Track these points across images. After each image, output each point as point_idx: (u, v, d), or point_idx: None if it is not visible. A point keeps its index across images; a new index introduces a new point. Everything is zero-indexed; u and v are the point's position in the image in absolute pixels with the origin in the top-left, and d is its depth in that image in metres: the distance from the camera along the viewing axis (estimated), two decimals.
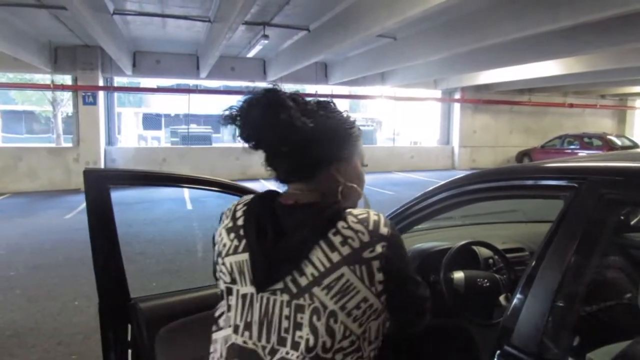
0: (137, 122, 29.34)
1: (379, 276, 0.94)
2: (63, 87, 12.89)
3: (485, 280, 1.74)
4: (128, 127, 26.53)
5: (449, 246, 2.01)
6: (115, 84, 14.01)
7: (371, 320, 0.97)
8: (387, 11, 6.80)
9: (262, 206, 1.04)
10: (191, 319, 1.80)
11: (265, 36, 9.23)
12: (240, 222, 1.03)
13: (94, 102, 12.21)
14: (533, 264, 1.17)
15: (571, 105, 18.58)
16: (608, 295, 1.46)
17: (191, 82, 15.23)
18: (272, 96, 1.00)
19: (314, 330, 0.92)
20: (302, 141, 0.98)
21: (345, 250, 0.92)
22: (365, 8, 7.40)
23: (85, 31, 8.39)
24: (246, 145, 1.07)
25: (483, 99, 16.97)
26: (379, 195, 10.52)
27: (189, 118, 17.19)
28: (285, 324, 0.94)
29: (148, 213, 8.88)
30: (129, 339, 1.70)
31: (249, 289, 0.99)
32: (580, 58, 10.96)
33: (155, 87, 19.35)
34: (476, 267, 1.96)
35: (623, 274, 1.79)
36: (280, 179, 1.09)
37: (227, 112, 1.05)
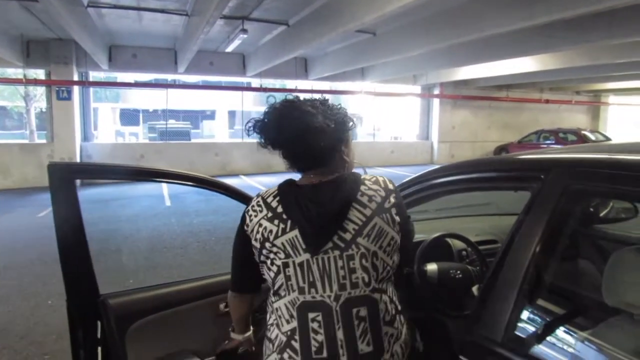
0: (114, 117, 28.82)
1: (396, 218, 1.26)
2: (36, 82, 12.58)
3: (459, 272, 1.76)
4: (105, 123, 26.02)
5: (423, 238, 2.02)
6: (91, 79, 13.74)
7: (395, 253, 1.27)
8: (366, 6, 6.80)
9: (293, 191, 1.27)
10: (163, 314, 1.77)
11: (244, 30, 9.14)
12: (279, 209, 1.25)
13: (69, 97, 11.93)
14: (500, 255, 1.19)
15: (547, 101, 18.90)
16: (575, 284, 1.48)
17: (169, 76, 15.02)
18: (299, 106, 1.26)
19: (365, 269, 1.21)
20: (329, 140, 1.25)
21: (373, 205, 1.24)
22: (345, 3, 7.38)
23: (59, 24, 8.20)
24: (268, 147, 1.33)
25: (462, 94, 17.14)
26: None
27: (167, 113, 16.96)
28: (341, 272, 1.20)
29: (125, 210, 8.75)
30: (99, 336, 1.67)
31: (304, 257, 1.21)
32: (555, 55, 11.14)
33: (133, 82, 19.04)
34: (450, 259, 1.98)
35: (591, 264, 1.83)
36: (302, 169, 1.31)
37: (254, 124, 1.32)
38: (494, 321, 1.15)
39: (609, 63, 11.00)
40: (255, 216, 1.27)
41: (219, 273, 2.01)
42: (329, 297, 1.20)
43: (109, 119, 27.83)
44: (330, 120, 1.25)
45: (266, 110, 1.29)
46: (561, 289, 1.39)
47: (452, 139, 17.51)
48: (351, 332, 1.18)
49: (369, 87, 16.16)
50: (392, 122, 22.83)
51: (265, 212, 1.26)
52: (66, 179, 1.61)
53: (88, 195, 10.39)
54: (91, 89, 14.30)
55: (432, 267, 1.81)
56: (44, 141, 12.83)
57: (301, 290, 1.21)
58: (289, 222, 1.22)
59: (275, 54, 10.92)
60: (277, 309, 1.26)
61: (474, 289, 1.64)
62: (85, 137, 13.33)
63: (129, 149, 14.14)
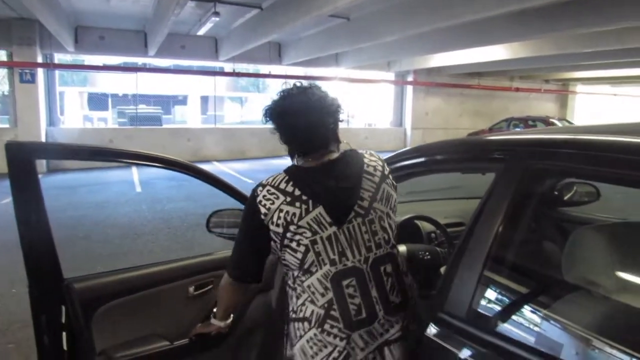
0: (82, 102, 27.99)
1: (392, 182, 1.44)
2: None
3: (427, 253, 1.79)
4: (72, 108, 25.25)
5: None
6: (56, 61, 13.27)
7: (396, 212, 1.45)
8: None
9: (304, 173, 1.36)
10: (130, 298, 1.73)
11: (216, 13, 8.96)
12: (297, 192, 1.32)
13: (33, 80, 11.50)
14: (464, 235, 1.21)
15: (517, 89, 19.26)
16: (537, 264, 1.53)
17: (139, 60, 14.66)
18: (316, 91, 1.38)
19: (384, 230, 1.36)
20: (335, 122, 1.40)
21: (378, 174, 1.40)
22: None
23: (20, 2, 7.85)
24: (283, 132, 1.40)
25: (435, 82, 17.31)
26: None
27: (138, 98, 16.57)
28: (366, 237, 1.32)
29: (95, 196, 8.55)
30: (63, 321, 1.61)
31: (330, 230, 1.30)
32: (526, 43, 11.33)
33: (101, 65, 18.49)
34: (419, 241, 2.01)
35: (555, 245, 1.89)
36: (310, 151, 1.38)
37: (273, 110, 1.39)
38: (458, 299, 1.17)
39: (577, 52, 11.25)
40: (272, 204, 1.32)
41: (187, 257, 1.98)
42: (359, 261, 1.30)
43: (77, 104, 27.01)
44: (335, 103, 1.40)
45: (283, 95, 1.37)
46: (524, 268, 1.43)
47: (425, 126, 17.70)
48: (382, 288, 1.31)
49: (343, 74, 16.14)
50: (366, 108, 22.89)
51: (282, 197, 1.32)
52: (26, 158, 1.54)
53: (55, 181, 10.10)
54: (57, 72, 13.83)
55: (401, 248, 1.83)
56: (6, 126, 12.38)
57: (332, 262, 1.30)
58: (310, 202, 1.31)
59: (248, 38, 10.76)
60: (308, 286, 1.32)
61: (442, 269, 1.67)
62: (51, 122, 12.92)
63: (98, 134, 13.81)
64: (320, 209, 1.30)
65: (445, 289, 1.22)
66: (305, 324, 1.32)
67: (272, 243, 1.34)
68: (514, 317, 1.20)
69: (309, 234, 1.30)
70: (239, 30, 11.36)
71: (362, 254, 1.32)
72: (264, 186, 1.36)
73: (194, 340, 1.74)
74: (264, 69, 15.25)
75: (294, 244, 1.31)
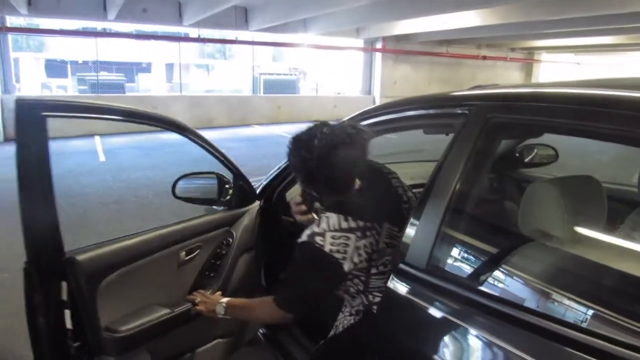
0: (39, 69, 26.70)
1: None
2: None
3: None
4: (28, 75, 24.09)
5: None
6: (9, 25, 12.54)
7: None
8: None
9: (353, 204, 1.40)
10: (130, 268, 1.64)
11: None
12: (360, 223, 1.36)
13: None
14: (425, 190, 1.24)
15: (484, 58, 19.43)
16: (496, 219, 1.59)
17: (98, 24, 14.02)
18: (351, 142, 1.39)
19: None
20: None
21: (406, 188, 1.59)
22: None
23: None
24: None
25: (403, 49, 17.26)
26: None
27: (98, 65, 15.91)
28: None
29: (56, 166, 8.11)
30: (65, 298, 1.46)
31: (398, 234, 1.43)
32: (494, 10, 11.37)
33: (58, 29, 17.56)
34: None
35: (515, 204, 1.96)
36: (350, 188, 1.45)
37: (320, 174, 1.40)
38: (420, 251, 1.22)
39: (544, 20, 11.39)
40: (347, 246, 1.33)
41: (179, 221, 1.91)
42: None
43: (33, 71, 25.75)
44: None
45: (323, 157, 1.34)
46: (482, 223, 1.48)
47: (394, 94, 17.71)
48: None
49: (312, 40, 15.89)
50: (335, 76, 22.72)
51: (353, 235, 1.34)
52: (38, 116, 1.39)
53: (12, 151, 9.71)
54: (9, 37, 13.09)
55: None
56: None
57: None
58: (376, 225, 1.39)
59: (214, 1, 10.42)
60: (376, 286, 1.43)
61: None
62: (6, 89, 12.31)
63: None
64: (386, 225, 1.42)
65: (407, 242, 1.26)
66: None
67: (352, 281, 1.41)
68: (471, 267, 1.25)
69: (388, 251, 1.41)
70: None
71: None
72: (322, 235, 1.33)
73: (193, 313, 1.71)
74: (230, 34, 14.83)
75: (380, 268, 1.41)
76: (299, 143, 1.41)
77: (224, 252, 1.95)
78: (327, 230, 1.33)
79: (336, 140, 1.33)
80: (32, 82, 23.35)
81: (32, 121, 1.38)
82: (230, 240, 1.96)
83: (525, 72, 22.45)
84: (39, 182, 1.41)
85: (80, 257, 1.48)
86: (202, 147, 1.94)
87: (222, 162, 2.00)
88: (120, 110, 1.77)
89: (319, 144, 1.33)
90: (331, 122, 1.46)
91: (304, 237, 1.37)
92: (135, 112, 1.79)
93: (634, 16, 10.10)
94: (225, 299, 1.63)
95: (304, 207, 1.60)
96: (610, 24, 11.58)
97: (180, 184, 2.05)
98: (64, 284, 1.46)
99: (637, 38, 15.00)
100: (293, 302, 1.42)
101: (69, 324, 1.45)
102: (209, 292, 1.78)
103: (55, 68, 26.45)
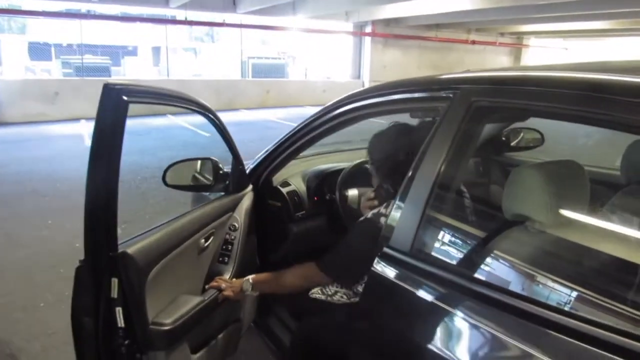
0: (22, 51, 26.12)
1: None
2: None
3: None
4: (11, 58, 23.58)
5: (344, 166, 2.07)
6: None
7: None
8: None
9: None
10: (168, 257, 1.57)
11: None
12: None
13: None
14: (410, 174, 1.24)
15: (473, 42, 19.41)
16: (482, 204, 1.60)
17: (83, 6, 13.71)
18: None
19: None
20: None
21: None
22: None
23: None
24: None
25: (393, 33, 17.17)
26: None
27: (83, 48, 15.61)
28: None
29: (41, 150, 8.17)
30: (115, 295, 1.36)
31: None
32: None
33: (40, 11, 17.15)
34: (370, 186, 2.05)
35: (500, 188, 1.97)
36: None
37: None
38: (404, 235, 1.22)
39: (531, 4, 11.38)
40: None
41: (193, 208, 1.86)
42: None
43: (16, 54, 25.19)
44: None
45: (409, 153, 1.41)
46: (467, 207, 1.49)
47: (383, 79, 17.49)
48: None
49: (301, 24, 15.72)
50: (325, 61, 22.59)
51: None
52: (123, 103, 1.32)
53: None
54: None
55: (353, 192, 1.89)
56: None
57: None
58: None
59: None
60: None
61: None
62: None
63: (41, 85, 12.95)
64: None
65: (392, 226, 1.26)
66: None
67: None
68: (454, 251, 1.26)
69: None
70: None
71: None
72: (386, 217, 1.39)
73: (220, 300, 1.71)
74: (217, 17, 14.61)
75: None
76: (382, 139, 1.56)
77: (232, 237, 1.93)
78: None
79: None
80: (15, 65, 22.86)
81: (116, 106, 1.31)
82: (236, 225, 1.95)
83: (514, 57, 22.50)
84: (109, 171, 1.32)
85: (131, 250, 1.38)
86: (217, 127, 1.89)
87: (230, 145, 1.97)
88: (195, 101, 1.77)
89: (404, 141, 1.46)
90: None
91: (368, 214, 1.51)
92: (204, 106, 1.82)
93: (624, 1, 10.13)
94: (250, 277, 1.72)
95: (376, 202, 1.62)
96: (600, 8, 11.60)
97: (170, 172, 1.99)
98: (115, 280, 1.35)
99: (627, 23, 15.06)
100: (338, 267, 1.55)
101: (121, 322, 1.36)
102: (227, 278, 1.79)
103: (39, 51, 25.89)
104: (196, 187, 2.10)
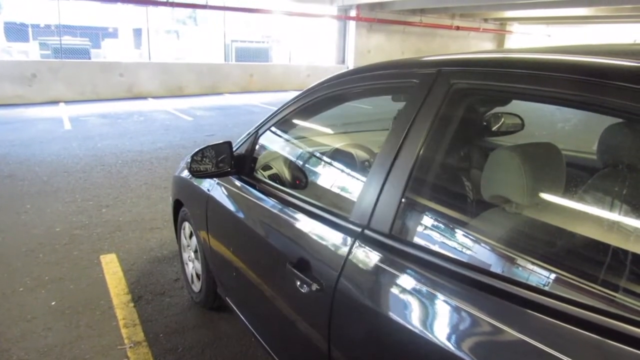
0: None
1: None
2: None
3: None
4: None
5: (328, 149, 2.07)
6: None
7: None
8: None
9: None
10: None
11: None
12: None
13: None
14: (391, 158, 1.24)
15: (457, 28, 19.44)
16: (461, 188, 1.61)
17: None
18: None
19: None
20: None
21: None
22: None
23: None
24: None
25: (377, 18, 17.08)
26: None
27: (61, 29, 15.20)
28: None
29: (18, 134, 7.97)
30: None
31: None
32: None
33: None
34: (353, 169, 2.06)
35: (481, 172, 1.99)
36: None
37: None
38: (383, 217, 1.23)
39: None
40: None
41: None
42: None
43: None
44: None
45: None
46: (446, 190, 1.50)
47: (367, 63, 17.62)
48: None
49: (285, 7, 15.52)
50: (309, 45, 22.40)
51: None
52: None
53: None
54: None
55: None
56: None
57: None
58: None
59: None
60: None
61: None
62: None
63: (18, 66, 12.60)
64: None
65: (372, 208, 1.26)
66: None
67: None
68: (432, 233, 1.27)
69: None
70: None
71: None
72: None
73: None
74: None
75: None
76: None
77: None
78: None
79: None
80: None
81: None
82: None
83: (497, 42, 22.61)
84: None
85: None
86: None
87: None
88: None
89: None
90: None
91: None
92: None
93: None
94: None
95: None
96: None
97: (194, 164, 2.05)
98: None
99: (609, 10, 15.22)
100: None
101: None
102: None
103: (14, 32, 25.11)
104: (218, 174, 2.10)
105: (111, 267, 3.29)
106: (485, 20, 20.80)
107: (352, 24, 17.14)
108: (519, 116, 2.52)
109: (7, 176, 5.38)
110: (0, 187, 4.96)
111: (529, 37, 23.78)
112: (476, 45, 20.65)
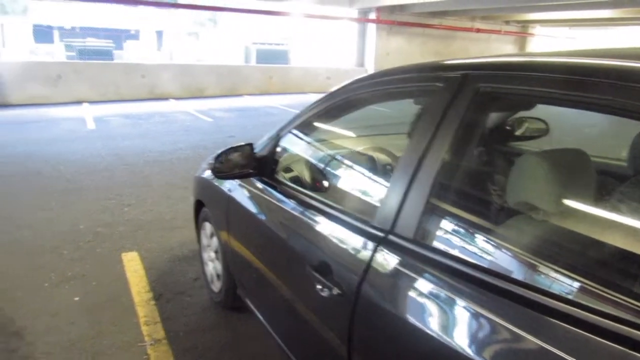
0: (26, 35, 25.95)
1: None
2: None
3: None
4: (16, 41, 23.47)
5: (348, 153, 2.07)
6: None
7: None
8: None
9: None
10: None
11: None
12: None
13: None
14: (416, 163, 1.23)
15: (478, 30, 19.21)
16: (486, 193, 1.59)
17: None
18: None
19: None
20: None
21: None
22: None
23: None
24: None
25: (397, 20, 17.00)
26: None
27: (85, 31, 15.50)
28: None
29: (44, 132, 8.16)
30: None
31: None
32: None
33: None
34: (374, 173, 2.05)
35: (505, 178, 1.97)
36: None
37: None
38: (408, 222, 1.22)
39: None
40: None
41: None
42: None
43: (21, 36, 25.04)
44: None
45: None
46: (471, 195, 1.48)
47: (387, 66, 17.47)
48: None
49: (305, 9, 15.57)
50: (328, 48, 22.43)
51: None
52: None
53: (2, 116, 9.57)
54: None
55: None
56: None
57: None
58: None
59: None
60: None
61: None
62: None
63: (44, 67, 12.89)
64: None
65: (396, 214, 1.26)
66: None
67: None
68: (457, 239, 1.26)
69: None
70: None
71: None
72: None
73: None
74: (220, 2, 14.47)
75: None
76: None
77: None
78: None
79: None
80: (20, 48, 22.76)
81: None
82: None
83: (519, 45, 22.28)
84: None
85: None
86: None
87: None
88: None
89: None
90: None
91: None
92: None
93: None
94: None
95: None
96: None
97: (218, 164, 2.08)
98: None
99: (634, 12, 14.88)
100: None
101: None
102: None
103: (42, 34, 25.75)
104: (241, 175, 2.12)
105: (133, 265, 3.34)
106: (507, 22, 20.52)
107: (371, 27, 17.10)
108: (543, 120, 2.48)
109: (35, 173, 5.51)
110: (26, 185, 5.08)
111: (552, 40, 23.39)
112: (497, 48, 20.38)
